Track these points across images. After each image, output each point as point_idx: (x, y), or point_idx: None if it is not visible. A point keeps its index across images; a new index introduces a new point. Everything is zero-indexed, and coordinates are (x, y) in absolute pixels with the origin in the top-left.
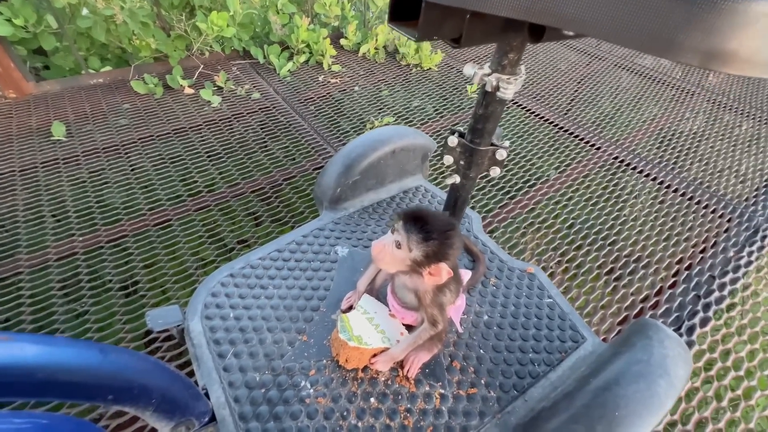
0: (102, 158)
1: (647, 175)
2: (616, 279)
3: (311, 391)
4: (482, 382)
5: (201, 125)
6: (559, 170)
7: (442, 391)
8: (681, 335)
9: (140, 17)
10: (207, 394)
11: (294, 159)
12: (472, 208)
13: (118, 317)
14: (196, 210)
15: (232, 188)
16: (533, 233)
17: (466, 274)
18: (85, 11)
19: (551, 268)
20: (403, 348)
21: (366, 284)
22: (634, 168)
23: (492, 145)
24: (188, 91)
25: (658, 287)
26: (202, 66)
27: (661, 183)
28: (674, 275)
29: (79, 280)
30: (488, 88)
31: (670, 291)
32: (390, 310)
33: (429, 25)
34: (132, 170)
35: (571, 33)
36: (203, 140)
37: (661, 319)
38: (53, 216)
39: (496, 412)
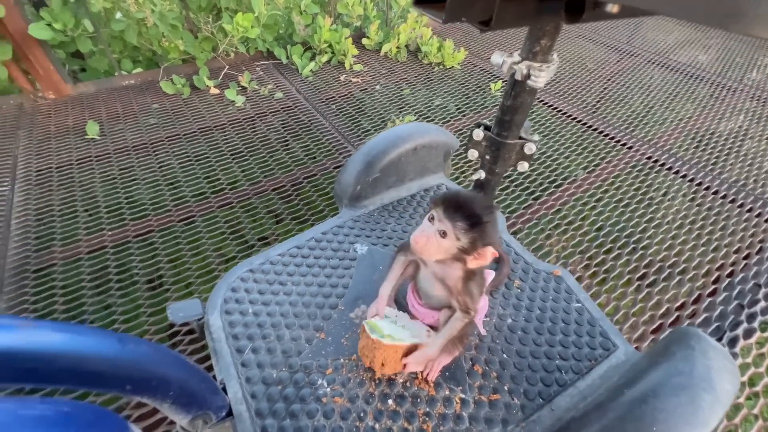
0: (132, 156)
1: (683, 176)
2: (650, 285)
3: (328, 389)
4: (505, 388)
5: (225, 124)
6: (587, 170)
7: (463, 395)
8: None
9: (170, 20)
10: (225, 389)
11: (315, 158)
12: None
13: (143, 310)
14: (219, 207)
15: (254, 186)
16: (559, 235)
17: (489, 275)
18: (118, 15)
19: (578, 271)
20: (438, 344)
21: (390, 290)
22: (669, 168)
23: (520, 138)
24: (214, 91)
25: (696, 295)
26: (227, 67)
27: (699, 184)
28: (714, 282)
29: (108, 273)
30: (518, 77)
31: (710, 299)
32: (409, 314)
33: (457, 7)
34: (159, 167)
35: (614, 10)
36: (227, 139)
37: (701, 329)
38: (86, 211)
39: (520, 420)
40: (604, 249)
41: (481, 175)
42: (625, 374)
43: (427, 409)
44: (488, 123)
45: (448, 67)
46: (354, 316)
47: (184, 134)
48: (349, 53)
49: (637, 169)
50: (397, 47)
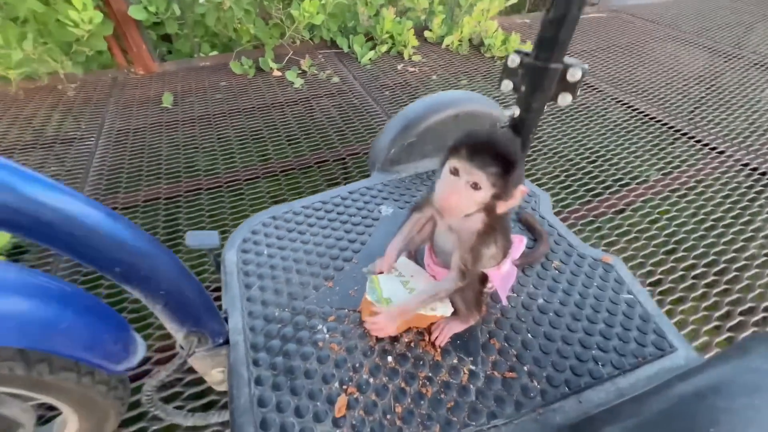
0: (196, 126)
1: None
2: (732, 303)
3: (327, 336)
4: (525, 369)
5: (282, 103)
6: (662, 171)
7: (473, 367)
8: None
9: (244, 4)
10: (227, 319)
11: (362, 138)
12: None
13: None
14: (264, 176)
15: (299, 159)
16: (618, 236)
17: (519, 242)
18: (202, 0)
19: (639, 276)
20: (414, 302)
21: (397, 249)
22: None
23: (563, 64)
24: (276, 73)
25: None
26: (291, 52)
27: None
28: None
29: (157, 221)
30: None
31: None
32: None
33: None
34: (218, 138)
35: None
36: (282, 116)
37: None
38: (149, 167)
39: (538, 406)
40: (675, 257)
41: (515, 111)
42: (681, 377)
43: (430, 374)
44: (527, 51)
45: None
46: (367, 270)
47: (243, 109)
48: (409, 44)
49: (728, 175)
50: (459, 40)
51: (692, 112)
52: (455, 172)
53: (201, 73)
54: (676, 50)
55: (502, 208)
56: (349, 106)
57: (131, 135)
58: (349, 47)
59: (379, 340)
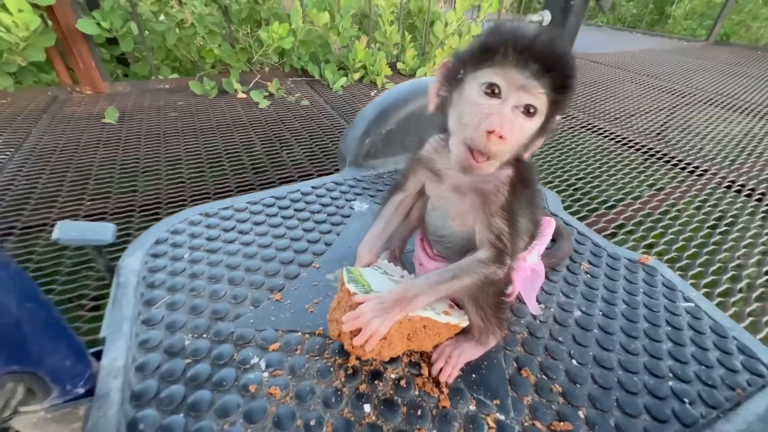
0: (141, 143)
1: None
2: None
3: (265, 374)
4: (580, 414)
5: (246, 123)
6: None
7: (501, 416)
8: None
9: (207, 22)
10: (98, 354)
11: (332, 155)
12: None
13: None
14: (216, 194)
15: (259, 176)
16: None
17: (548, 225)
18: (162, 17)
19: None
20: (422, 285)
21: (375, 248)
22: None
23: None
24: (241, 95)
25: None
26: (258, 77)
27: None
28: None
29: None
30: None
31: None
32: (416, 270)
33: None
34: (165, 156)
35: None
36: (245, 136)
37: None
38: (69, 189)
39: None
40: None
41: (544, 17)
42: None
43: None
44: None
45: None
46: (332, 278)
47: (201, 128)
48: (382, 73)
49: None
50: (433, 71)
51: (658, 134)
52: (494, 90)
53: (158, 94)
54: (636, 88)
55: (537, 145)
56: (319, 127)
57: (57, 152)
58: (321, 75)
59: (351, 376)
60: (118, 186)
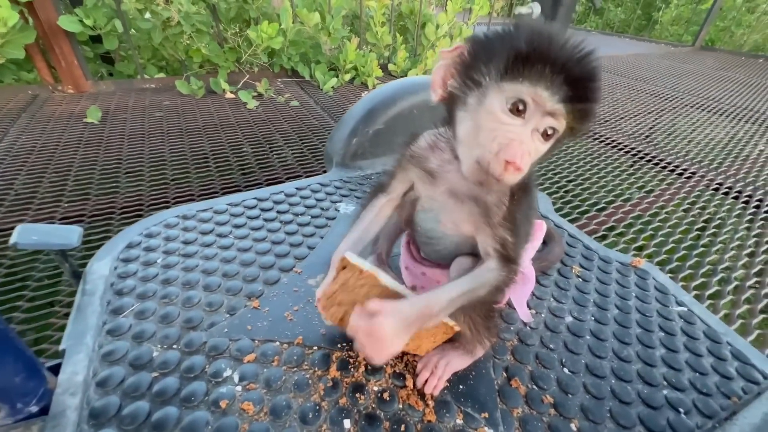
0: (124, 144)
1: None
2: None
3: (238, 388)
4: (572, 427)
5: (233, 124)
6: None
7: (489, 431)
8: None
9: (194, 20)
10: (56, 368)
11: (320, 156)
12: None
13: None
14: (201, 196)
15: (246, 177)
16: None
17: (539, 228)
18: (147, 15)
19: None
20: (445, 297)
21: (356, 248)
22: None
23: None
24: (229, 95)
25: None
26: (247, 77)
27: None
28: None
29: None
30: None
31: None
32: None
33: None
34: (149, 157)
35: None
36: (232, 137)
37: None
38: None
39: None
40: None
41: (534, 8)
42: None
43: None
44: None
45: None
46: (314, 283)
47: (187, 129)
48: (373, 74)
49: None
50: (424, 72)
51: (647, 137)
52: (519, 108)
53: (143, 94)
54: (622, 91)
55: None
56: (309, 128)
57: (36, 152)
58: (311, 75)
59: (330, 389)
60: (98, 187)
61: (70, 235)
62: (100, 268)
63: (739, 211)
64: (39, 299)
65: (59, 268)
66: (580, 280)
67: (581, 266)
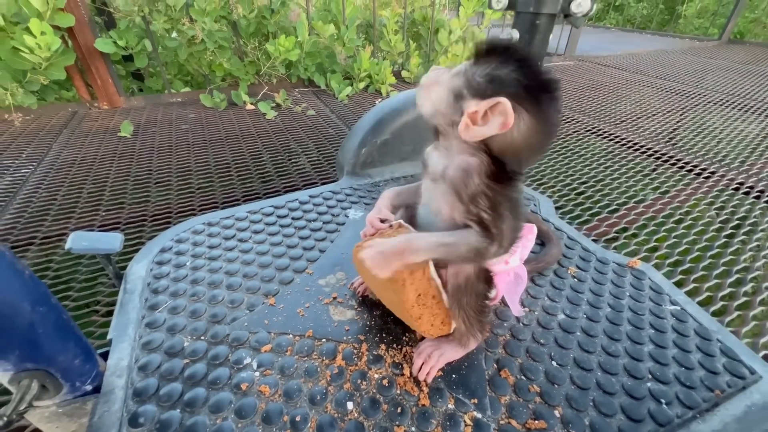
0: (154, 155)
1: None
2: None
3: (256, 374)
4: (555, 414)
5: (253, 134)
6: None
7: (478, 415)
8: None
9: (217, 37)
10: (105, 355)
11: (335, 164)
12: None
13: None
14: (224, 204)
15: (265, 185)
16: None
17: (529, 231)
18: (174, 34)
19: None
20: (424, 241)
21: (391, 201)
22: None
23: None
24: (249, 107)
25: None
26: (266, 88)
27: None
28: None
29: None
30: None
31: None
32: None
33: None
34: (177, 169)
35: None
36: (252, 147)
37: None
38: (86, 201)
39: None
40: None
41: (513, 34)
42: None
43: (413, 429)
44: None
45: None
46: (324, 283)
47: (210, 140)
48: (387, 81)
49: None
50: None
51: (670, 138)
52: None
53: (170, 107)
54: (642, 90)
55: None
56: (325, 137)
57: (76, 165)
58: (327, 85)
59: (336, 375)
60: (131, 197)
61: (114, 241)
62: (139, 269)
63: (760, 211)
64: (83, 299)
65: (98, 272)
66: (576, 280)
67: (578, 267)
